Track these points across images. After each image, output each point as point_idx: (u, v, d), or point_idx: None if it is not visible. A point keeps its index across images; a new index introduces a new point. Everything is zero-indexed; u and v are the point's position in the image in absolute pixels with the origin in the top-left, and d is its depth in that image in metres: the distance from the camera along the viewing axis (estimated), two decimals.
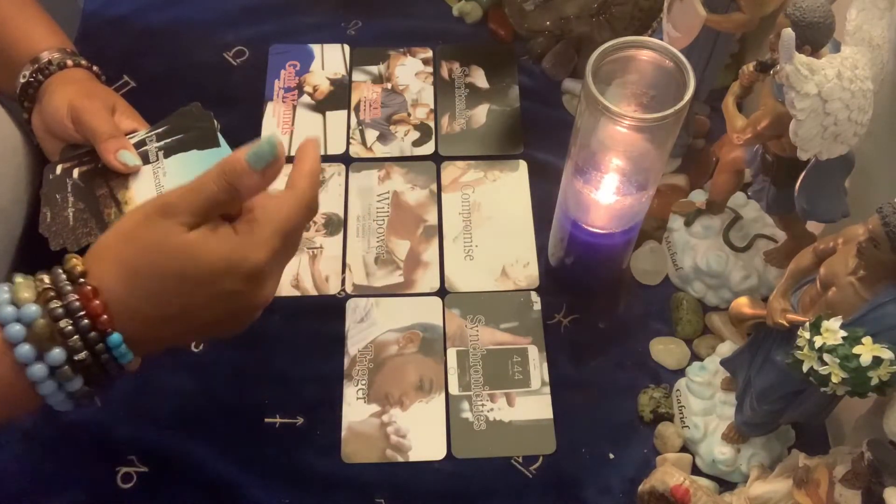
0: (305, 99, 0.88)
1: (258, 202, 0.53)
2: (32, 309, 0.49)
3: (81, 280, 0.50)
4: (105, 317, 0.50)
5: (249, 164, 0.51)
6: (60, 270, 0.50)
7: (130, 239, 0.51)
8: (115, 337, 0.50)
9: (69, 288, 0.50)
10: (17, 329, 0.49)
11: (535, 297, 0.77)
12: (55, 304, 0.49)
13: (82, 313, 0.49)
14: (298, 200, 0.54)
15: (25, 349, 0.49)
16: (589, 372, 0.74)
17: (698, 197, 0.79)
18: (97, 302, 0.49)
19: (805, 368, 0.53)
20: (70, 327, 0.49)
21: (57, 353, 0.49)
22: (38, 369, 0.49)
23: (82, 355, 0.50)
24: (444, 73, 0.90)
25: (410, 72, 0.90)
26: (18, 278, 0.51)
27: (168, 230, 0.50)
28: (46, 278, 0.50)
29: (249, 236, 0.52)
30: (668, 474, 0.61)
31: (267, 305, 0.55)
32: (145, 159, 0.74)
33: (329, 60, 0.90)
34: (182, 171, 0.74)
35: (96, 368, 0.51)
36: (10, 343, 0.49)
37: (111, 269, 0.50)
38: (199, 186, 0.51)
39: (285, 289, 0.77)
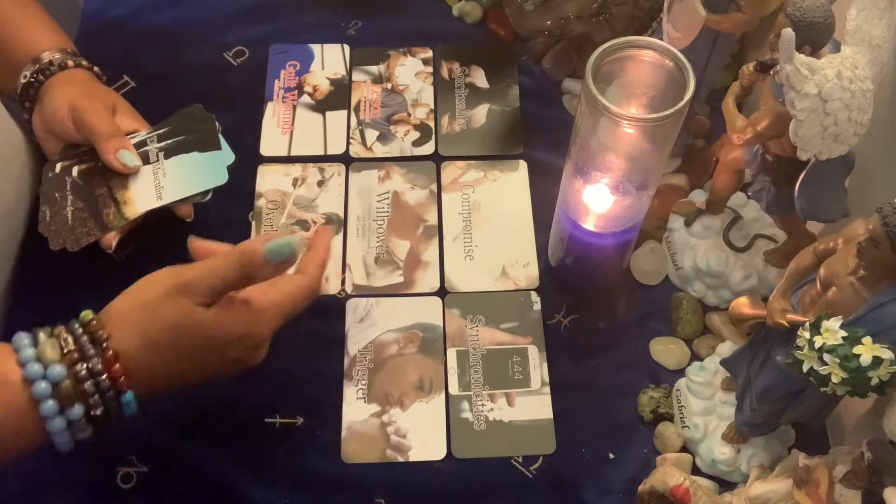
0: (305, 99, 0.88)
1: (273, 280, 0.60)
2: (58, 369, 0.54)
3: (104, 345, 0.55)
4: (123, 378, 0.55)
5: (267, 259, 0.56)
6: (81, 330, 0.55)
7: (152, 312, 0.56)
8: (129, 395, 0.56)
9: (92, 352, 0.54)
10: (43, 386, 0.53)
11: (535, 297, 0.77)
12: (80, 366, 0.54)
13: (104, 376, 0.54)
14: (307, 287, 0.61)
15: (49, 405, 0.53)
16: (589, 372, 0.74)
17: (698, 197, 0.79)
18: (118, 366, 0.55)
19: (805, 368, 0.53)
20: (92, 388, 0.54)
21: (77, 410, 0.54)
22: (58, 422, 0.54)
23: (98, 411, 0.55)
24: (444, 73, 0.90)
25: (410, 72, 0.90)
26: (42, 336, 0.55)
27: (188, 309, 0.56)
28: (70, 339, 0.55)
29: (260, 315, 0.58)
30: (668, 474, 0.61)
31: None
32: (145, 160, 0.74)
33: (329, 60, 0.91)
34: (182, 172, 0.74)
35: (105, 420, 0.56)
36: (36, 399, 0.53)
37: (132, 335, 0.55)
38: (218, 271, 0.56)
39: None
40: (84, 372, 0.54)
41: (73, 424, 0.54)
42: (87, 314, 0.56)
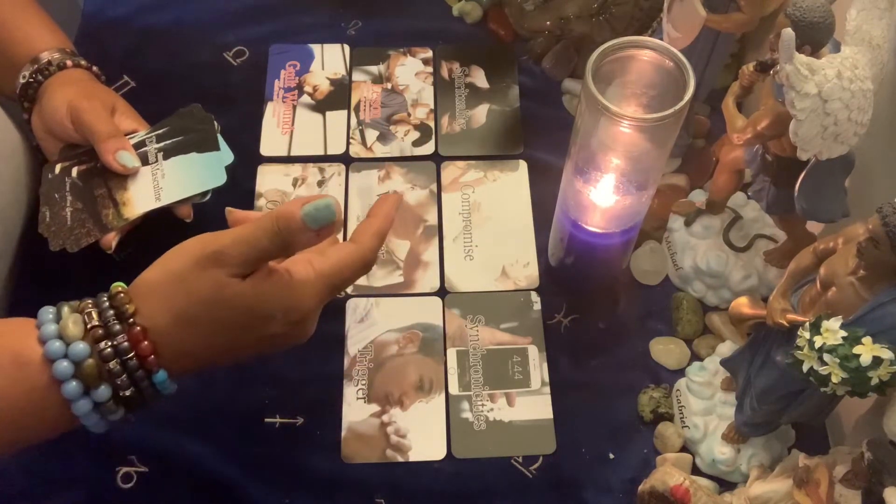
0: (305, 99, 0.88)
1: (321, 248, 0.55)
2: (80, 347, 0.50)
3: (131, 320, 0.51)
4: (153, 357, 0.51)
5: (305, 223, 0.51)
6: (107, 304, 0.51)
7: (182, 284, 0.51)
8: (162, 374, 0.51)
9: (118, 328, 0.50)
10: (65, 366, 0.49)
11: (535, 297, 0.77)
12: (104, 343, 0.50)
13: (131, 354, 0.50)
14: (358, 257, 0.55)
15: (72, 386, 0.50)
16: (589, 372, 0.74)
17: (698, 197, 0.79)
18: (146, 343, 0.50)
19: (805, 368, 0.53)
20: (118, 367, 0.50)
21: (103, 391, 0.50)
22: (83, 404, 0.50)
23: (128, 392, 0.51)
24: (444, 73, 0.90)
25: (410, 72, 0.90)
26: (66, 309, 0.51)
27: (221, 281, 0.50)
28: (94, 314, 0.51)
29: (303, 286, 0.53)
30: (668, 474, 0.61)
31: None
32: (144, 160, 0.74)
33: (329, 60, 0.90)
34: (181, 173, 0.74)
35: (139, 401, 0.52)
36: (57, 379, 0.49)
37: (161, 310, 0.51)
38: (252, 238, 0.51)
39: None
40: (109, 350, 0.50)
41: (101, 406, 0.51)
42: (116, 286, 0.52)
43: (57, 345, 0.50)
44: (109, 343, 0.50)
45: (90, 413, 0.51)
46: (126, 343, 0.50)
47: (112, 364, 0.50)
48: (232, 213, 0.58)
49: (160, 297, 0.51)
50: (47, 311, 0.51)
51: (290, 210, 0.51)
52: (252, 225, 0.51)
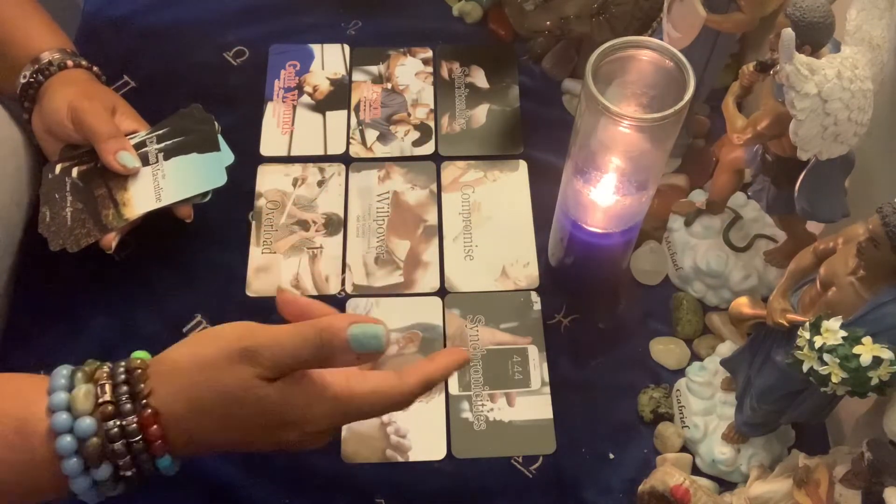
0: (305, 99, 0.88)
1: (363, 371, 0.53)
2: (87, 423, 0.48)
3: (144, 402, 0.48)
4: (160, 442, 0.49)
5: (350, 345, 0.49)
6: (123, 377, 0.49)
7: (207, 373, 0.49)
8: (167, 461, 0.50)
9: (129, 407, 0.48)
10: (68, 441, 0.48)
11: (535, 297, 0.77)
12: (113, 423, 0.48)
13: (138, 437, 0.48)
14: (397, 393, 0.53)
15: (73, 462, 0.48)
16: (589, 372, 0.74)
17: (698, 197, 0.79)
18: (155, 427, 0.48)
19: (805, 368, 0.53)
20: (123, 448, 0.48)
21: (104, 469, 0.49)
22: (82, 481, 0.49)
23: (128, 473, 0.49)
24: (444, 73, 0.90)
25: (410, 72, 0.90)
26: (79, 376, 0.49)
27: (248, 380, 0.48)
28: (108, 387, 0.49)
29: (333, 402, 0.50)
30: (668, 474, 0.61)
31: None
32: (145, 161, 0.74)
33: (329, 60, 0.90)
34: (181, 173, 0.74)
35: (139, 481, 0.50)
36: (59, 455, 0.48)
37: (179, 396, 0.49)
38: (290, 345, 0.49)
39: None
40: (116, 430, 0.48)
41: (101, 484, 0.49)
42: (138, 356, 0.50)
43: (64, 417, 0.48)
44: (118, 423, 0.48)
45: (88, 491, 0.49)
46: (135, 425, 0.48)
47: (117, 445, 0.48)
48: (283, 294, 0.55)
49: (182, 381, 0.49)
50: (60, 376, 0.49)
51: (338, 326, 0.49)
52: (293, 329, 0.50)
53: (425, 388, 0.53)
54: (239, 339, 0.49)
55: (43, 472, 0.48)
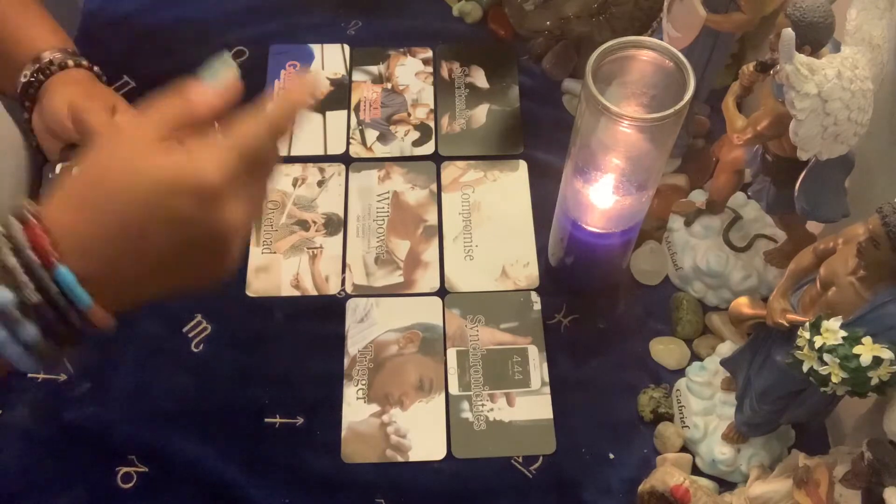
0: None
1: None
2: None
3: (29, 213, 0.45)
4: (50, 248, 0.44)
5: (204, 78, 0.49)
6: (26, 208, 0.45)
7: (80, 172, 0.46)
8: (64, 271, 0.44)
9: (18, 226, 0.44)
10: None
11: (535, 297, 0.77)
12: (5, 250, 0.44)
13: (28, 247, 0.44)
14: (262, 119, 0.49)
15: None
16: (589, 372, 0.74)
17: (698, 197, 0.79)
18: (38, 230, 0.44)
19: (805, 368, 0.53)
20: (16, 263, 0.44)
21: (3, 295, 0.43)
22: (7, 344, 0.44)
23: (33, 297, 0.44)
24: (444, 73, 0.90)
25: (410, 72, 0.90)
26: None
27: (110, 150, 0.46)
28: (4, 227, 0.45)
29: (200, 152, 0.46)
30: (668, 474, 0.61)
31: (236, 243, 0.48)
32: None
33: (329, 60, 0.91)
34: None
35: (52, 314, 0.45)
36: None
37: (67, 202, 0.45)
38: (153, 107, 0.47)
39: (285, 289, 0.77)
40: (9, 251, 0.43)
41: (7, 315, 0.44)
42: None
43: None
44: (10, 246, 0.44)
45: (21, 358, 0.45)
46: (23, 236, 0.44)
47: (10, 261, 0.43)
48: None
49: (69, 189, 0.46)
50: None
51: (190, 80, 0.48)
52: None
53: (285, 105, 0.51)
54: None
55: None
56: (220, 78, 0.50)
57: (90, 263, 0.45)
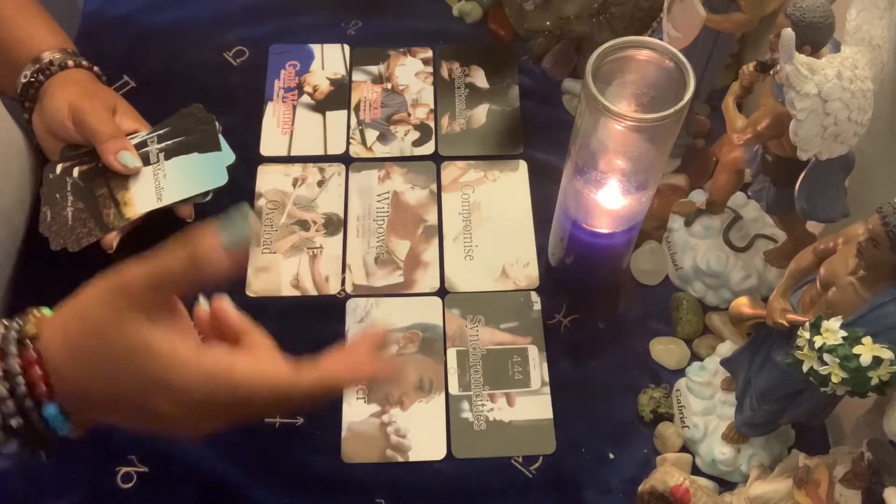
0: (305, 99, 0.88)
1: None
2: None
3: (27, 343, 0.46)
4: (43, 387, 0.46)
5: (217, 233, 0.45)
6: (16, 326, 0.47)
7: (81, 313, 0.47)
8: (52, 409, 0.46)
9: (14, 350, 0.46)
10: None
11: (535, 297, 0.77)
12: None
13: (19, 378, 0.46)
14: (287, 391, 0.49)
15: None
16: (589, 372, 0.74)
17: (698, 197, 0.79)
18: (37, 369, 0.46)
19: (805, 368, 0.53)
20: (5, 391, 0.46)
21: None
22: None
23: (13, 422, 0.46)
24: (444, 73, 0.90)
25: (410, 72, 0.90)
26: None
27: (119, 313, 0.45)
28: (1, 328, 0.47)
29: (207, 371, 0.46)
30: (668, 474, 0.62)
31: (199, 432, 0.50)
32: (146, 160, 0.74)
33: (329, 60, 0.91)
34: (182, 173, 0.74)
35: (32, 438, 0.47)
36: None
37: (58, 338, 0.47)
38: (158, 262, 0.46)
39: (285, 289, 0.77)
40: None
41: None
42: (35, 309, 0.48)
43: None
44: (1, 364, 0.46)
45: None
46: (18, 366, 0.46)
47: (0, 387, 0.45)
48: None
49: (61, 324, 0.47)
50: None
51: (201, 229, 0.45)
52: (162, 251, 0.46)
53: (325, 390, 0.49)
54: (113, 273, 0.46)
55: None
56: (237, 236, 0.45)
57: (81, 407, 0.47)
